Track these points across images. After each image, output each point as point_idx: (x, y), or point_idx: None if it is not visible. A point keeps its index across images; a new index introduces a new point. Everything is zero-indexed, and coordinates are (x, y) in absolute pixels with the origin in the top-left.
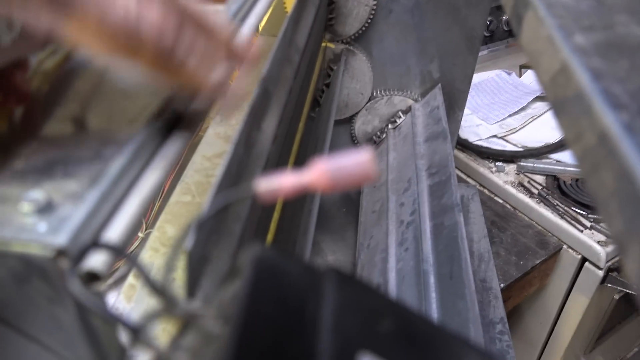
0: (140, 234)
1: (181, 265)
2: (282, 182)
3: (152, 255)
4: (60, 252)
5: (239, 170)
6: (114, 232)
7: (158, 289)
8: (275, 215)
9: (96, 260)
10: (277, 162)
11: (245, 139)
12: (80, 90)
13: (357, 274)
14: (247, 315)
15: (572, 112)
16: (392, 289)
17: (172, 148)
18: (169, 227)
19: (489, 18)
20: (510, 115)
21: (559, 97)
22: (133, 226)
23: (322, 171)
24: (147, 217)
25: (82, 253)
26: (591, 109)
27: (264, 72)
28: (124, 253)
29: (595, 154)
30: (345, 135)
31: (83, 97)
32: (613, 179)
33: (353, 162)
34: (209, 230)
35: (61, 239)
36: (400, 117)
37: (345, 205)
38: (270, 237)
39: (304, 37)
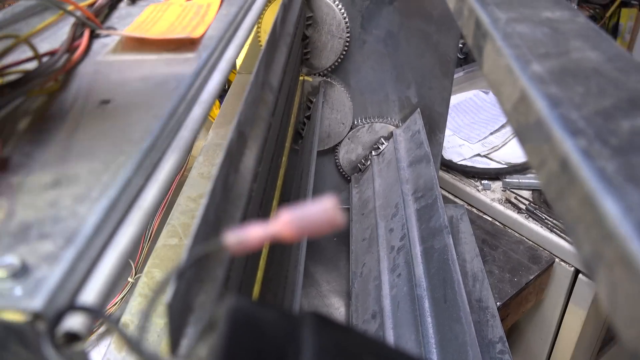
0: (130, 279)
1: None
2: (250, 233)
3: (141, 302)
4: (37, 316)
5: (218, 214)
6: (92, 291)
7: (136, 348)
8: (264, 252)
9: (74, 322)
10: (261, 198)
11: (222, 183)
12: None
13: (352, 303)
14: None
15: (534, 139)
16: (388, 316)
17: (148, 199)
18: (157, 271)
19: (462, 41)
20: (491, 134)
21: (522, 125)
22: (111, 283)
23: (287, 221)
24: (136, 261)
25: (60, 315)
26: (551, 136)
27: (237, 117)
28: (102, 314)
29: (559, 180)
30: (330, 164)
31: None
32: (577, 204)
33: (317, 210)
34: (189, 279)
35: (37, 302)
36: (382, 144)
37: (335, 234)
38: (260, 274)
39: (278, 75)
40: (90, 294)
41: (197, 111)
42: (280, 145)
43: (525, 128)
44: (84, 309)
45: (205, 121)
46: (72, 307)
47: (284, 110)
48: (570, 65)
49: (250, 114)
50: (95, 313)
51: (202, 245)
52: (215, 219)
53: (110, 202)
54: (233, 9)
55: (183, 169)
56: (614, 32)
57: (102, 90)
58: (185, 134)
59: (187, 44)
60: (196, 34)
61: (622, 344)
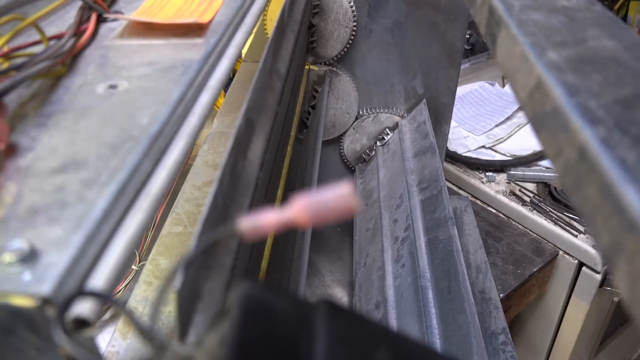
0: (134, 267)
1: (173, 304)
2: (265, 219)
3: (146, 290)
4: (46, 301)
5: (225, 202)
6: (100, 276)
7: (147, 334)
8: (269, 242)
9: (83, 308)
10: (266, 187)
11: (230, 170)
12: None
13: (355, 293)
14: (237, 358)
15: (551, 128)
16: (392, 306)
17: (156, 185)
18: (162, 259)
19: (469, 32)
20: (496, 125)
21: (537, 113)
22: (120, 269)
23: (302, 207)
24: (140, 249)
25: (69, 301)
26: (568, 125)
27: (246, 103)
28: (111, 299)
29: (577, 170)
30: (335, 154)
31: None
32: (595, 194)
33: (333, 196)
34: (197, 267)
35: (46, 287)
36: (388, 134)
37: (339, 224)
38: (264, 264)
39: (285, 63)
40: (99, 280)
41: (205, 97)
42: (285, 134)
43: (541, 117)
44: (94, 295)
45: (212, 108)
46: (81, 292)
47: (290, 99)
48: (588, 54)
49: (259, 101)
50: (105, 298)
51: (214, 232)
52: (223, 206)
53: (119, 187)
54: None
55: (188, 157)
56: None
57: (110, 75)
58: (193, 120)
59: (195, 29)
60: (204, 19)
61: None
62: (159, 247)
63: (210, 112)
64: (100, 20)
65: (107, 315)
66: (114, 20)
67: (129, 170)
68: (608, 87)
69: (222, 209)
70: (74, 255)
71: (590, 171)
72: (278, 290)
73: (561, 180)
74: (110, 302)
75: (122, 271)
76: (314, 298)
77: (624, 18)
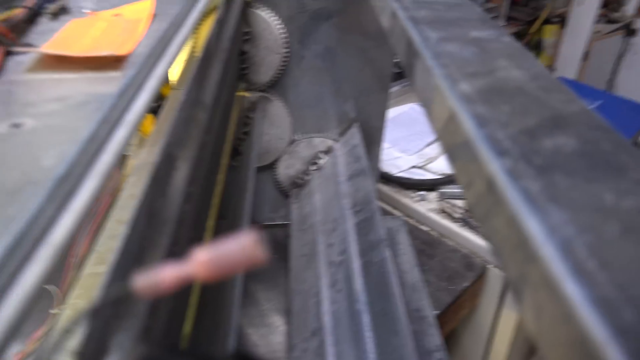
0: (54, 311)
1: None
2: (162, 276)
3: (74, 333)
4: None
5: (142, 244)
6: None
7: None
8: None
9: None
10: (195, 219)
11: (147, 210)
12: None
13: (292, 321)
14: None
15: (463, 158)
16: (329, 332)
17: (60, 232)
18: (82, 303)
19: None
20: (427, 145)
21: (451, 144)
22: (14, 326)
23: (202, 261)
24: (62, 290)
25: None
26: (478, 156)
27: (165, 139)
28: None
29: (486, 201)
30: (269, 180)
31: None
32: (502, 225)
33: (236, 248)
34: (103, 318)
35: None
36: (321, 158)
37: (275, 251)
38: (194, 299)
39: (212, 93)
40: None
41: (121, 133)
42: (216, 163)
43: (454, 147)
44: None
45: (130, 142)
46: None
47: (221, 127)
48: (497, 84)
49: (181, 134)
50: None
51: (112, 287)
52: (138, 250)
53: (14, 238)
54: (164, 24)
55: (114, 190)
56: (538, 47)
57: (14, 112)
58: (106, 158)
59: (111, 62)
60: (122, 52)
61: None
62: (79, 289)
63: (128, 148)
64: (9, 53)
65: None
66: (24, 53)
67: (28, 218)
68: (515, 118)
69: (138, 252)
70: None
71: (498, 202)
72: (183, 352)
73: (473, 211)
74: None
75: (16, 329)
76: (250, 329)
77: (539, 41)
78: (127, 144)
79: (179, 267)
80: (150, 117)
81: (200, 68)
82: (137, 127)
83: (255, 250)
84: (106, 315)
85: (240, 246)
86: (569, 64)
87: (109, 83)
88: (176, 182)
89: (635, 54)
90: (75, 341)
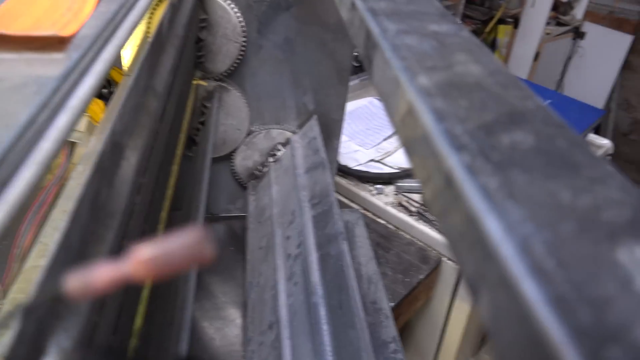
0: None
1: None
2: (97, 276)
3: (3, 334)
4: None
5: (84, 238)
6: None
7: None
8: None
9: None
10: (148, 210)
11: (90, 203)
12: None
13: (248, 314)
14: None
15: (421, 153)
16: (285, 326)
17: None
18: (24, 298)
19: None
20: (385, 139)
21: (409, 138)
22: None
23: (142, 260)
24: (4, 283)
25: None
26: (436, 151)
27: (111, 127)
28: None
29: (444, 196)
30: (226, 172)
31: None
32: (460, 222)
33: (179, 245)
34: (40, 318)
35: None
36: (279, 150)
37: (232, 243)
38: (145, 293)
39: (164, 80)
40: None
41: (63, 119)
42: (170, 153)
43: (412, 141)
44: None
45: (72, 130)
46: None
47: (175, 115)
48: (455, 79)
49: (130, 121)
50: None
51: (43, 289)
52: (81, 243)
53: None
54: (113, 6)
55: (62, 179)
56: (492, 46)
57: None
58: (46, 145)
59: (54, 43)
60: (66, 32)
61: None
62: (21, 283)
63: (70, 135)
64: None
65: None
66: None
67: None
68: (473, 113)
69: (79, 247)
70: None
71: (456, 198)
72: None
73: (430, 207)
74: None
75: None
76: (206, 323)
77: (494, 40)
78: (70, 130)
79: (115, 267)
80: (102, 104)
81: (151, 53)
82: (82, 113)
83: (201, 248)
84: (40, 315)
85: (185, 243)
86: (521, 63)
87: (50, 65)
88: (125, 173)
89: (582, 56)
90: (5, 343)
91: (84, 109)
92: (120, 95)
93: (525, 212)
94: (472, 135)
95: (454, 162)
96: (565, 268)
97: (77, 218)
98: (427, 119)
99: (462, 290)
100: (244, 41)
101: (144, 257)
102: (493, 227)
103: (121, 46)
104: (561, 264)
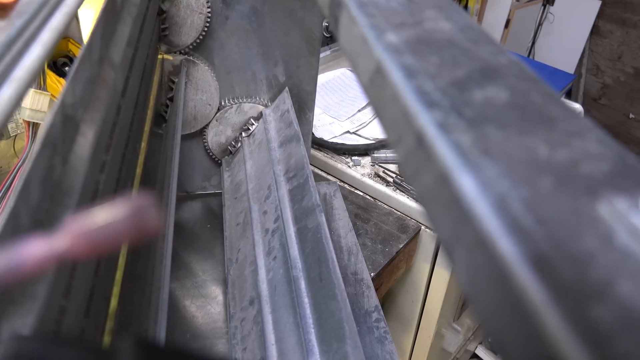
0: None
1: None
2: (23, 255)
3: None
4: None
5: (36, 218)
6: None
7: None
8: (124, 248)
9: None
10: (114, 189)
11: (41, 179)
12: None
13: (229, 291)
14: None
15: (391, 113)
16: (266, 301)
17: None
18: None
19: (326, 19)
20: (359, 111)
21: (378, 99)
22: None
23: (77, 234)
24: None
25: None
26: (406, 109)
27: (61, 99)
28: None
29: (416, 157)
30: (199, 148)
31: None
32: (433, 181)
33: (121, 215)
34: None
35: None
36: (252, 124)
37: (209, 220)
38: (119, 274)
39: (121, 50)
40: None
41: (7, 91)
42: (137, 130)
43: (382, 102)
44: None
45: (20, 103)
46: None
47: (140, 91)
48: (425, 36)
49: (83, 94)
50: None
51: None
52: (33, 223)
53: None
54: None
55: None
56: None
57: None
58: None
59: None
60: None
61: (484, 334)
62: None
63: (17, 108)
64: None
65: None
66: None
67: None
68: (444, 69)
69: (31, 225)
70: None
71: (428, 158)
72: (65, 340)
73: (403, 169)
74: None
75: None
76: (187, 301)
77: (465, 8)
78: (16, 104)
79: (46, 243)
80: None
81: (104, 21)
82: (29, 85)
83: (142, 217)
84: None
85: (125, 213)
86: (492, 30)
87: None
88: (81, 149)
89: (552, 22)
90: None
91: (31, 81)
92: (73, 67)
93: (501, 168)
94: (444, 92)
95: (425, 119)
96: (545, 225)
97: (25, 196)
98: (396, 77)
99: (442, 258)
100: (209, 12)
101: (79, 230)
102: (467, 185)
103: (71, 14)
104: (540, 220)
